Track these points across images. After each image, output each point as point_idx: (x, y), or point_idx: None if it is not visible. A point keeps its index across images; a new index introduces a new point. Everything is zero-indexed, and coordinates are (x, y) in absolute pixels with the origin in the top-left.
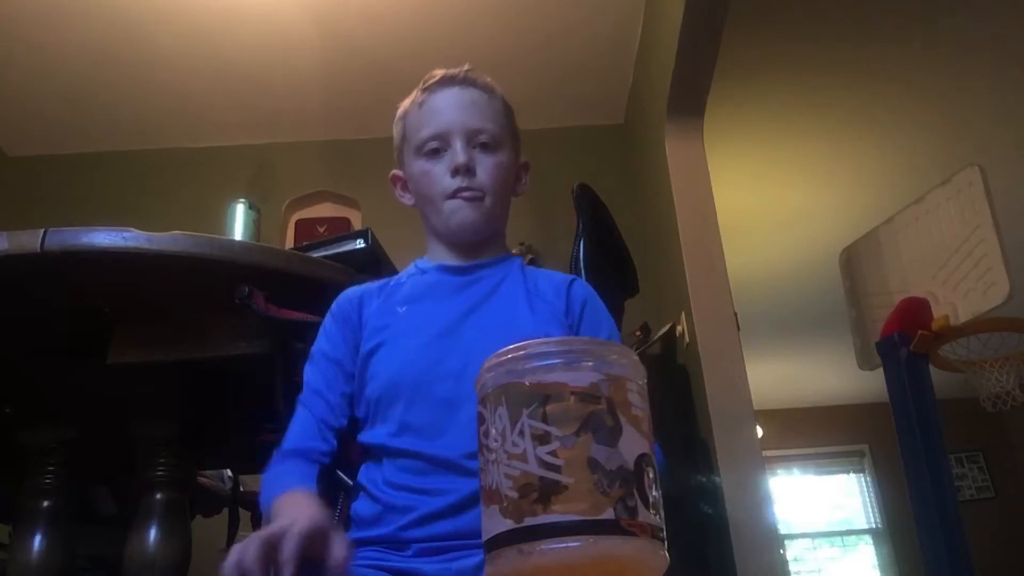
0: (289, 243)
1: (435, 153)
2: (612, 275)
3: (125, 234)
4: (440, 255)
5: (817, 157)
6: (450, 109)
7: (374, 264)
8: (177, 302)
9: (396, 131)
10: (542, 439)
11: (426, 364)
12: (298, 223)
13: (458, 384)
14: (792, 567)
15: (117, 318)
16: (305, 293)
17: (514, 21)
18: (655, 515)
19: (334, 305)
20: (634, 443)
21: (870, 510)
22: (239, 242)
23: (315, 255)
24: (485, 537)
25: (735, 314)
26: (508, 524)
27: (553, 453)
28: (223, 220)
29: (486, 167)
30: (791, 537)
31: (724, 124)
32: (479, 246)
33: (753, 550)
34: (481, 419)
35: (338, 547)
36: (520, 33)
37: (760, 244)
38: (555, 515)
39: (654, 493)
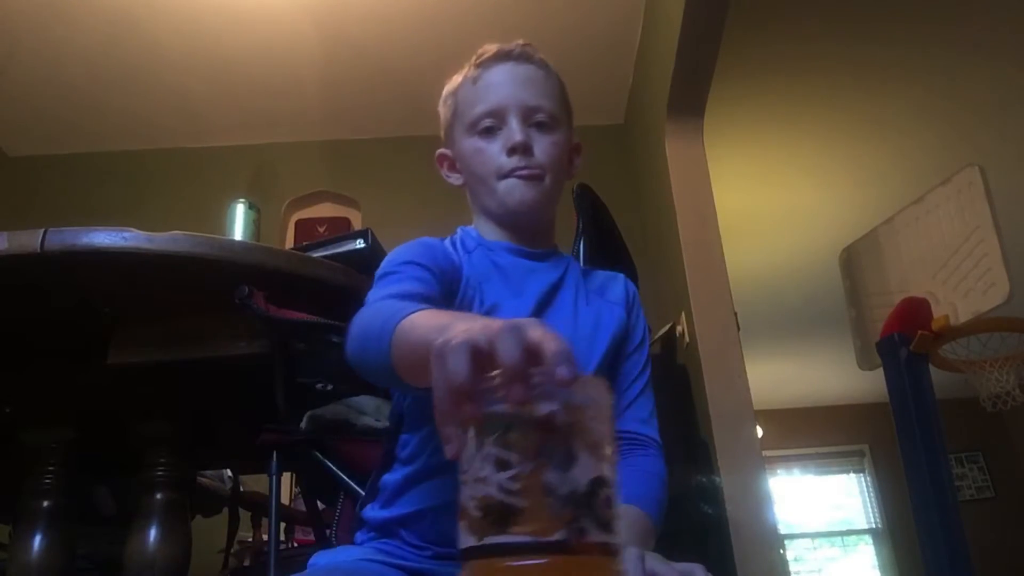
0: (289, 243)
1: (489, 131)
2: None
3: (125, 234)
4: (495, 234)
5: (817, 157)
6: (506, 85)
7: (374, 264)
8: (177, 302)
9: (445, 108)
10: (502, 465)
11: None
12: (298, 223)
13: None
14: (792, 567)
15: (117, 318)
16: (305, 293)
17: (513, 21)
18: (607, 534)
19: (425, 240)
20: (588, 468)
21: (870, 510)
22: (239, 242)
23: (315, 255)
24: (458, 548)
25: (735, 314)
26: (472, 541)
27: (512, 479)
28: (223, 220)
29: (543, 146)
30: (791, 537)
31: (724, 124)
32: (535, 232)
33: (753, 550)
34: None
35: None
36: (519, 33)
37: (760, 244)
38: (511, 536)
39: (608, 512)
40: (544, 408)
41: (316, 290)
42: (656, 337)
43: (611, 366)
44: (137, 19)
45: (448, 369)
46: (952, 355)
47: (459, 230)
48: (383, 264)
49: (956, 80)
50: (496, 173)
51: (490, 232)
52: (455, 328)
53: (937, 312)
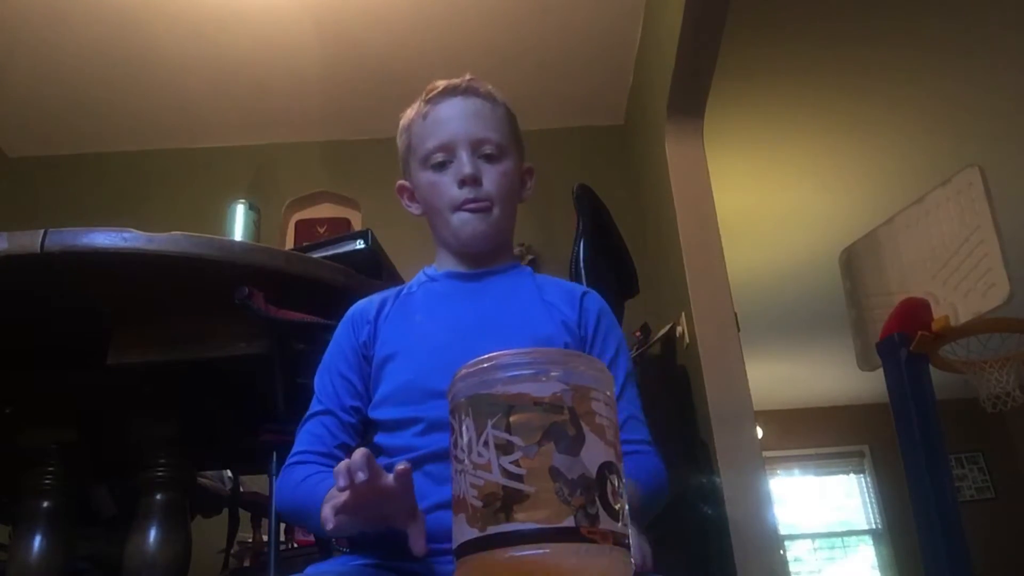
0: (289, 244)
1: (441, 165)
2: (612, 275)
3: (125, 235)
4: (449, 264)
5: (817, 157)
6: (454, 120)
7: (374, 265)
8: (177, 302)
9: (401, 142)
10: (505, 449)
11: (443, 369)
12: (298, 223)
13: None
14: (792, 568)
15: (117, 318)
16: (305, 294)
17: (514, 21)
18: (618, 523)
19: (349, 314)
20: (597, 452)
21: (870, 511)
22: (239, 243)
23: (315, 256)
24: (454, 545)
25: (735, 314)
26: (474, 533)
27: (516, 463)
28: (223, 220)
29: (492, 177)
30: (791, 538)
31: (724, 124)
32: (488, 255)
33: (753, 551)
34: (451, 429)
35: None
36: (520, 33)
37: (760, 244)
38: (517, 524)
39: (618, 501)
40: (548, 388)
41: (316, 290)
42: (656, 337)
43: None
44: (137, 19)
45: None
46: (952, 355)
47: (420, 272)
48: (322, 361)
49: (956, 81)
50: (450, 205)
51: (444, 261)
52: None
53: (937, 313)
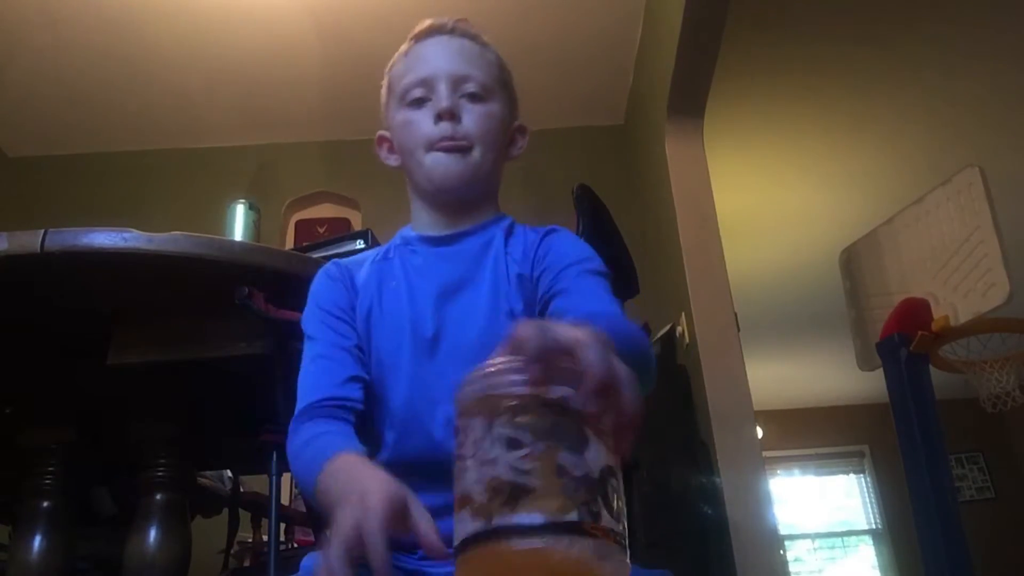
0: (289, 244)
1: (419, 102)
2: (612, 276)
3: (125, 235)
4: (421, 222)
5: (817, 157)
6: (437, 56)
7: None
8: (177, 302)
9: (384, 88)
10: (512, 445)
11: (396, 355)
12: (298, 223)
13: (414, 383)
14: (792, 568)
15: (117, 318)
16: (305, 294)
17: (514, 21)
18: (619, 525)
19: (327, 269)
20: (599, 455)
21: (870, 511)
22: (239, 242)
23: (315, 256)
24: (456, 542)
25: (735, 314)
26: (478, 525)
27: (522, 459)
28: (223, 220)
29: (473, 116)
30: (791, 538)
31: (724, 124)
32: (465, 208)
33: (753, 551)
34: (457, 431)
35: (423, 522)
36: (520, 33)
37: (760, 244)
38: (522, 515)
39: (617, 504)
40: (557, 391)
41: None
42: (656, 338)
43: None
44: (137, 19)
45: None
46: (952, 355)
47: (398, 234)
48: (305, 317)
49: (956, 81)
50: (424, 144)
51: (419, 218)
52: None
53: (937, 312)
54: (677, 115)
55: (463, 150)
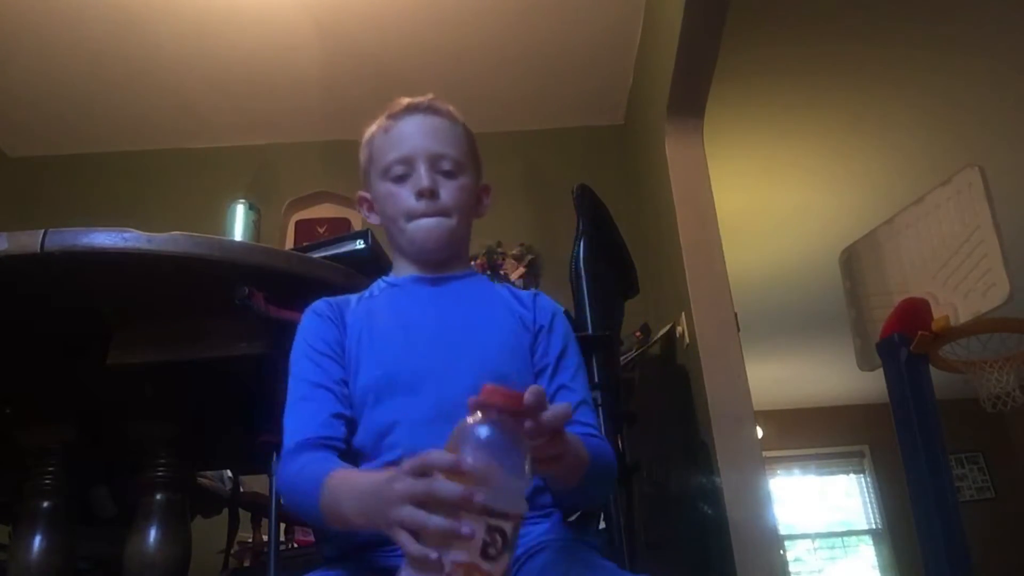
0: (289, 244)
1: (401, 178)
2: (612, 276)
3: (125, 235)
4: (407, 271)
5: (817, 157)
6: (414, 135)
7: (374, 265)
8: (177, 303)
9: (363, 155)
10: None
11: (410, 368)
12: (298, 224)
13: (440, 387)
14: (792, 568)
15: (117, 318)
16: (305, 294)
17: (514, 21)
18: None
19: (315, 307)
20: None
21: (870, 511)
22: (239, 243)
23: (315, 256)
24: None
25: (735, 314)
26: None
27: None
28: (223, 220)
29: (449, 190)
30: (791, 538)
31: (724, 124)
32: (444, 263)
33: (753, 551)
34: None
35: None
36: (520, 33)
37: (760, 244)
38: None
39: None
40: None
41: (316, 291)
42: (656, 337)
43: (528, 372)
44: (137, 19)
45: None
46: (952, 356)
47: (378, 280)
48: (293, 352)
49: (956, 81)
50: (406, 215)
51: (403, 269)
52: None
53: (937, 313)
54: (677, 115)
55: (441, 214)
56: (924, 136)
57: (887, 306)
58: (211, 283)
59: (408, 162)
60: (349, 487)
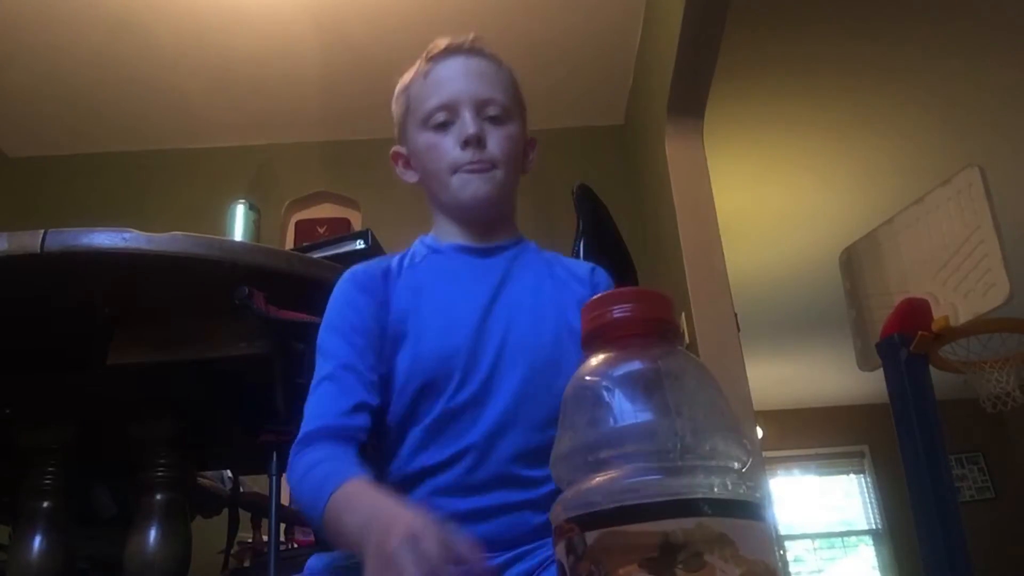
0: (289, 244)
1: (443, 126)
2: (612, 276)
3: (125, 235)
4: (450, 234)
5: (817, 157)
6: (458, 79)
7: None
8: (177, 303)
9: (397, 106)
10: None
11: (458, 355)
12: (298, 224)
13: (490, 378)
14: (792, 568)
15: (117, 318)
16: (305, 294)
17: (514, 21)
18: None
19: (355, 274)
20: None
21: (870, 511)
22: (239, 243)
23: (315, 256)
24: None
25: (735, 314)
26: None
27: None
28: (223, 221)
29: (497, 139)
30: (791, 538)
31: (724, 124)
32: (492, 225)
33: None
34: None
35: (466, 547)
36: (520, 33)
37: (760, 244)
38: None
39: None
40: None
41: (316, 290)
42: None
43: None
44: (137, 20)
45: None
46: (952, 356)
47: (416, 241)
48: (324, 325)
49: (956, 81)
50: (450, 167)
51: (446, 231)
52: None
53: (937, 313)
54: (677, 115)
55: (489, 171)
56: (924, 136)
57: (887, 306)
58: (211, 283)
59: (451, 108)
60: (359, 504)
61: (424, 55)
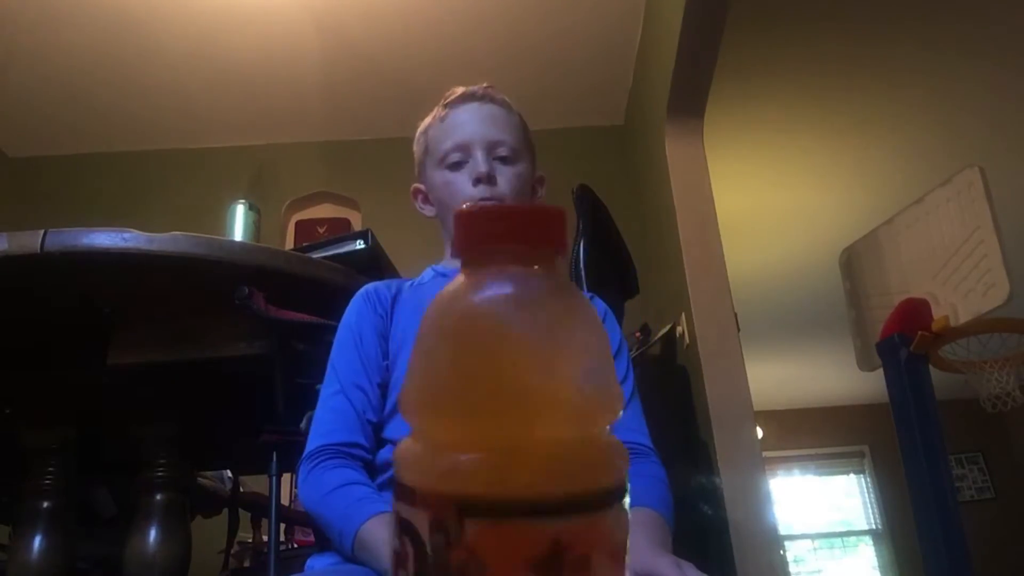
0: (289, 244)
1: (457, 165)
2: (612, 276)
3: (125, 235)
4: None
5: (817, 157)
6: (471, 123)
7: (374, 265)
8: (177, 303)
9: (418, 146)
10: None
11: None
12: (298, 224)
13: None
14: (792, 568)
15: (117, 318)
16: (305, 294)
17: (514, 22)
18: None
19: (367, 292)
20: None
21: (870, 511)
22: (239, 243)
23: (315, 256)
24: None
25: (735, 314)
26: None
27: None
28: (223, 221)
29: (506, 177)
30: (791, 538)
31: (724, 124)
32: None
33: (753, 551)
34: None
35: None
36: (520, 34)
37: (760, 244)
38: None
39: None
40: None
41: (316, 290)
42: (656, 337)
43: None
44: (137, 20)
45: None
46: (952, 356)
47: (427, 268)
48: (337, 339)
49: (956, 81)
50: (463, 202)
51: (456, 261)
52: None
53: (937, 313)
54: (677, 115)
55: (498, 201)
56: (924, 136)
57: (887, 306)
58: (211, 283)
59: (465, 149)
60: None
61: (441, 101)
